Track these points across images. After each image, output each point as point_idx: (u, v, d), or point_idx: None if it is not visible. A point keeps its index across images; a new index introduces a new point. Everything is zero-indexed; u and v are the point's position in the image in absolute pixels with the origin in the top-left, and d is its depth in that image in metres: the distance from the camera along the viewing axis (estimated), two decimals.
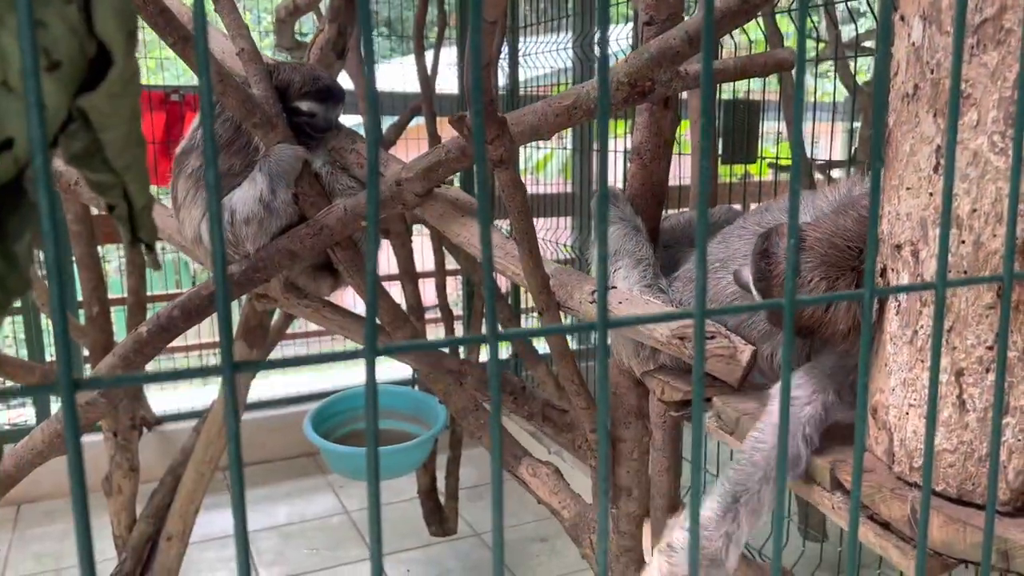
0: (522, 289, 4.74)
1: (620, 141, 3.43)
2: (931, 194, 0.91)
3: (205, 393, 4.47)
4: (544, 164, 5.67)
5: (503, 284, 4.57)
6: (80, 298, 2.88)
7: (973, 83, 0.86)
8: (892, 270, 1.00)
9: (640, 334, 1.28)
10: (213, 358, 4.96)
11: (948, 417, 0.92)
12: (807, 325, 1.13)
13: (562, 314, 1.34)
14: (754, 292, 1.19)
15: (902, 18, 0.96)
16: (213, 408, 2.78)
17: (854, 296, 0.60)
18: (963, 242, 0.89)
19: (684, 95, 2.01)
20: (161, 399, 4.44)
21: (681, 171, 2.79)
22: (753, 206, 1.78)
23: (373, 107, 0.45)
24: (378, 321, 1.75)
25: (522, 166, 5.64)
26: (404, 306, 3.16)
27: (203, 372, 0.46)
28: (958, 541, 0.89)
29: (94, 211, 2.67)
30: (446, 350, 1.70)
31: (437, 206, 1.56)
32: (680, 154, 2.82)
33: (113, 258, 4.91)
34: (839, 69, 2.52)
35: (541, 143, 4.80)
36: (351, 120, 2.43)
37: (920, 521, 0.68)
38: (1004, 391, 0.86)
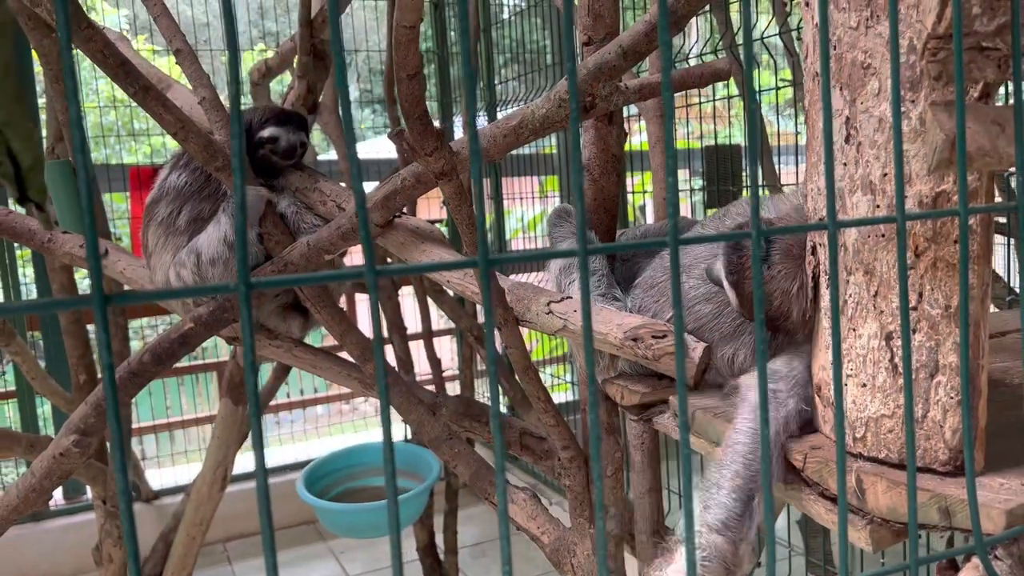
0: None
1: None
2: (845, 164, 0.93)
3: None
4: (535, 224, 5.90)
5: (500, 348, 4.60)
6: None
7: (871, 53, 0.89)
8: (820, 245, 1.02)
9: (595, 340, 1.29)
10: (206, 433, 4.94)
11: (883, 382, 0.93)
12: (773, 316, 1.15)
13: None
14: (726, 285, 1.21)
15: (807, 3, 1.00)
16: (202, 469, 2.77)
17: (742, 236, 0.62)
18: (878, 206, 0.91)
19: (642, 121, 2.06)
20: (158, 474, 4.41)
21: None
22: None
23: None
24: (347, 356, 1.76)
25: (516, 224, 5.87)
26: (394, 361, 3.18)
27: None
28: (901, 505, 0.88)
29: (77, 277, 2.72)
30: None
31: (398, 235, 1.59)
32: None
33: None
34: (797, 92, 2.57)
35: (536, 200, 4.93)
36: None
37: (838, 471, 0.68)
38: (910, 337, 0.87)
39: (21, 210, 2.51)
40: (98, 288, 0.48)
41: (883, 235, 0.91)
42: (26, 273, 4.29)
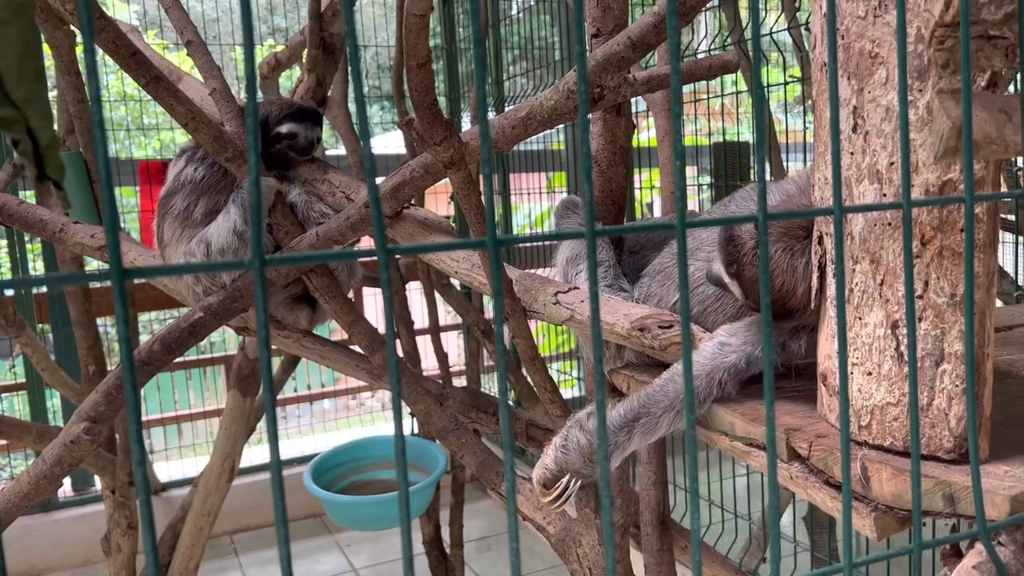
0: None
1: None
2: (852, 153, 0.93)
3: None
4: (541, 221, 5.93)
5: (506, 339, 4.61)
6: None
7: (879, 42, 0.90)
8: (827, 235, 1.02)
9: (602, 330, 1.30)
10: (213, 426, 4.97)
11: (888, 370, 0.93)
12: (777, 297, 1.15)
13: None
14: (726, 279, 1.22)
15: None
16: (210, 460, 2.79)
17: (748, 219, 0.62)
18: (885, 195, 0.91)
19: (650, 117, 2.06)
20: (166, 467, 4.44)
21: None
22: None
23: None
24: (356, 348, 1.77)
25: (523, 220, 5.87)
26: (401, 355, 3.19)
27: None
28: (906, 492, 0.89)
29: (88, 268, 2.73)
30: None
31: (407, 226, 1.60)
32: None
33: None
34: (806, 88, 2.57)
35: (543, 196, 4.94)
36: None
37: (843, 454, 0.69)
38: (916, 326, 0.88)
39: (33, 200, 2.53)
40: (116, 261, 0.48)
41: (889, 224, 0.91)
42: (36, 267, 4.32)
